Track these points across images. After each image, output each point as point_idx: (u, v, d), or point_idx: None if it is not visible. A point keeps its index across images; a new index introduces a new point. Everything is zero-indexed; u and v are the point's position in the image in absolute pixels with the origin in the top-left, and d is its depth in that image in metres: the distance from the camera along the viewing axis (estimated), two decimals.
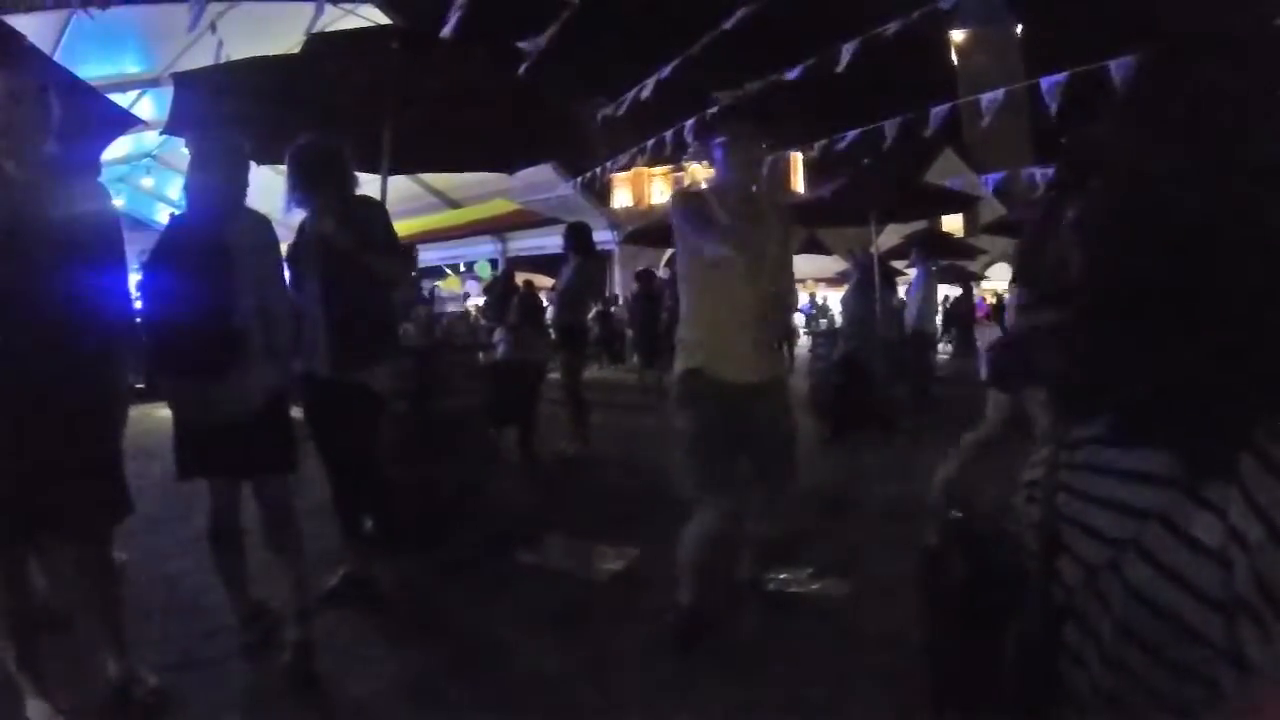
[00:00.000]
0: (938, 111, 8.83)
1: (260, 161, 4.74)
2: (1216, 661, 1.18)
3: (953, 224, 23.15)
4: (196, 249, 3.78)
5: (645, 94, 10.30)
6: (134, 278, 3.94)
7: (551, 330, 9.49)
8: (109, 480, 3.47)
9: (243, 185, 3.96)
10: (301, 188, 4.46)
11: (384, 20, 13.37)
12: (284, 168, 4.48)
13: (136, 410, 4.47)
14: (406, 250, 4.85)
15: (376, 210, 4.68)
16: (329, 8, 10.30)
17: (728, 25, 7.74)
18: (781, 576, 4.82)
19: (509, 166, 7.97)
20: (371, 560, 4.75)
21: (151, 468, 6.35)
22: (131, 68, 13.38)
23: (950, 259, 20.19)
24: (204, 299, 3.73)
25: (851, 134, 10.08)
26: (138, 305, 3.93)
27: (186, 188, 3.99)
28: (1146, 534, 1.24)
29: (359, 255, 4.32)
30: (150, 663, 3.72)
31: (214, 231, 3.79)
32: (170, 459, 3.92)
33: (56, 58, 7.78)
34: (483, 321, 14.55)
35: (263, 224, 3.92)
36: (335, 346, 4.38)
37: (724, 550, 4.23)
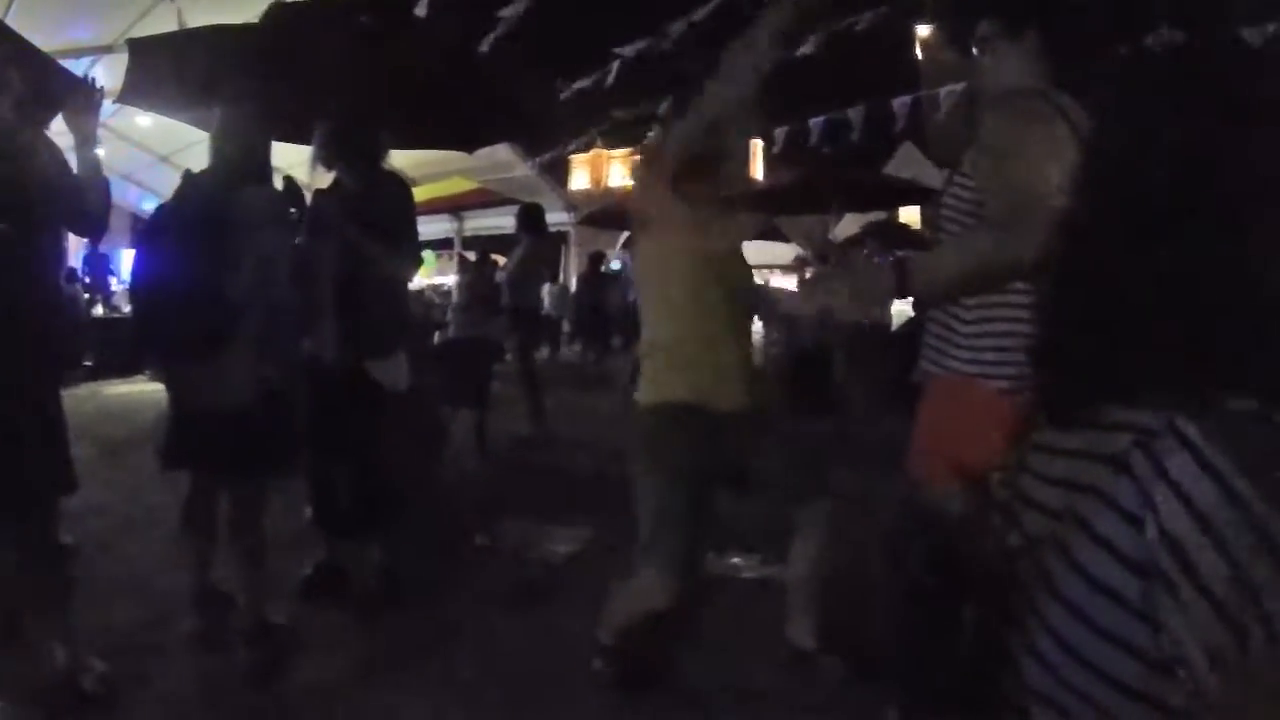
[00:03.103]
0: (901, 103, 8.89)
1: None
2: (1139, 626, 1.27)
3: (910, 215, 23.27)
4: (195, 220, 3.67)
5: (609, 78, 10.28)
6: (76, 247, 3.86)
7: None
8: (50, 454, 3.33)
9: (253, 158, 3.84)
10: (323, 154, 4.36)
11: None
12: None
13: (86, 388, 4.37)
14: (418, 242, 4.66)
15: (398, 192, 4.53)
16: None
17: (696, 17, 7.72)
18: (733, 562, 4.84)
19: (468, 145, 7.92)
20: (343, 549, 4.66)
21: (98, 448, 6.27)
22: (84, 35, 13.11)
23: (908, 249, 20.33)
24: (198, 273, 3.61)
25: (814, 122, 10.11)
26: (129, 279, 3.84)
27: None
28: (1082, 504, 1.34)
29: (364, 244, 4.19)
30: (98, 648, 3.61)
31: (215, 203, 3.68)
32: (121, 439, 3.83)
33: (8, 22, 7.61)
34: (437, 301, 14.48)
35: (276, 198, 3.83)
36: (340, 334, 4.23)
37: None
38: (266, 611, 3.97)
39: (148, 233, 3.93)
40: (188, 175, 3.96)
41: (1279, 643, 1.23)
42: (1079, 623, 1.37)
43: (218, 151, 3.84)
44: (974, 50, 2.89)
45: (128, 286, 3.72)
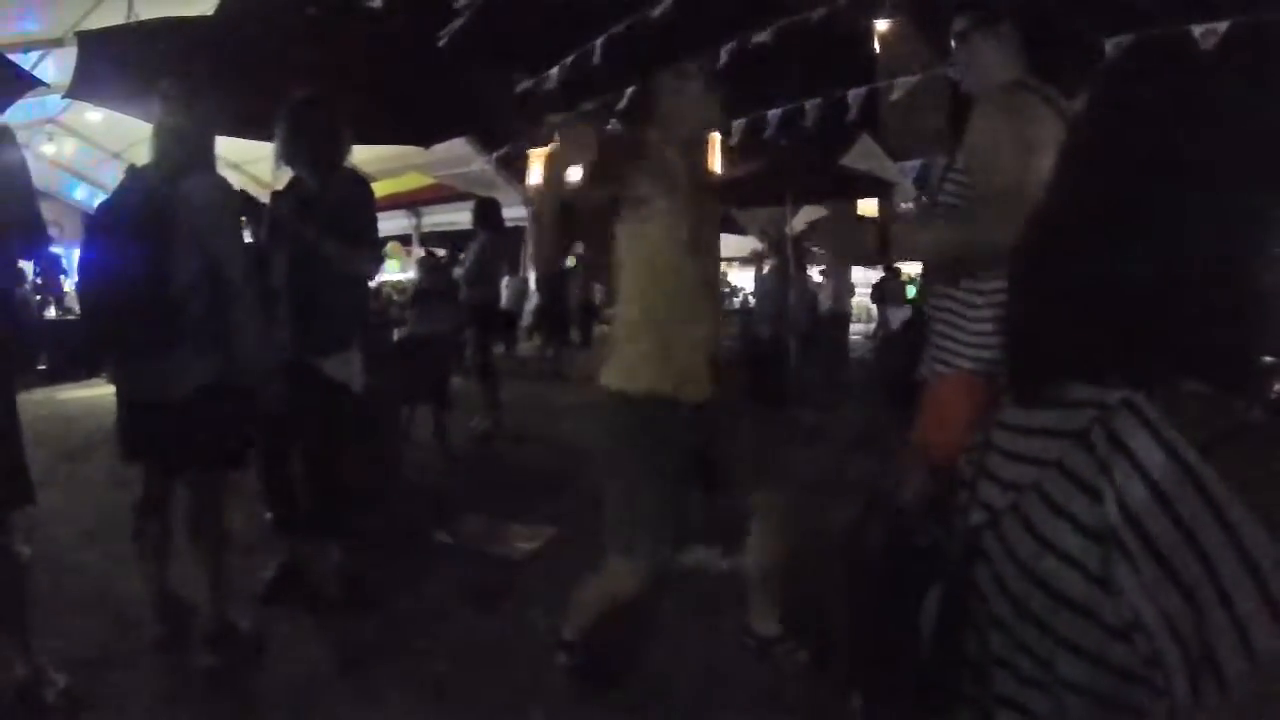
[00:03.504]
0: (856, 95, 8.94)
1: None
2: (1097, 593, 1.34)
3: (868, 207, 23.43)
4: (137, 214, 3.60)
5: (565, 71, 10.27)
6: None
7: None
8: (5, 465, 3.26)
9: (193, 149, 3.76)
10: (284, 152, 4.29)
11: None
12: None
13: (41, 393, 4.31)
14: (378, 241, 4.61)
15: (357, 191, 4.46)
16: None
17: (654, 12, 7.72)
18: (695, 554, 4.85)
19: (425, 140, 7.89)
20: (303, 549, 4.60)
21: (55, 455, 6.19)
22: (33, 27, 12.92)
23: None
24: (142, 267, 3.54)
25: (771, 114, 10.16)
26: (76, 279, 3.78)
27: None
28: (1044, 478, 1.41)
29: (323, 244, 4.14)
30: (59, 660, 3.55)
31: (157, 196, 3.61)
32: (78, 445, 3.77)
33: None
34: (395, 298, 14.44)
35: (218, 188, 3.73)
36: (297, 329, 4.19)
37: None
38: (229, 614, 3.93)
39: (90, 230, 3.87)
40: (130, 169, 3.90)
41: (1230, 605, 1.30)
42: (1040, 590, 1.44)
43: (158, 143, 3.76)
44: (952, 43, 2.94)
45: (76, 287, 3.66)
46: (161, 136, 3.75)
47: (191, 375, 3.57)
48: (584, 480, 3.79)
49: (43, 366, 10.43)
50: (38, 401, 8.45)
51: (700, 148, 3.48)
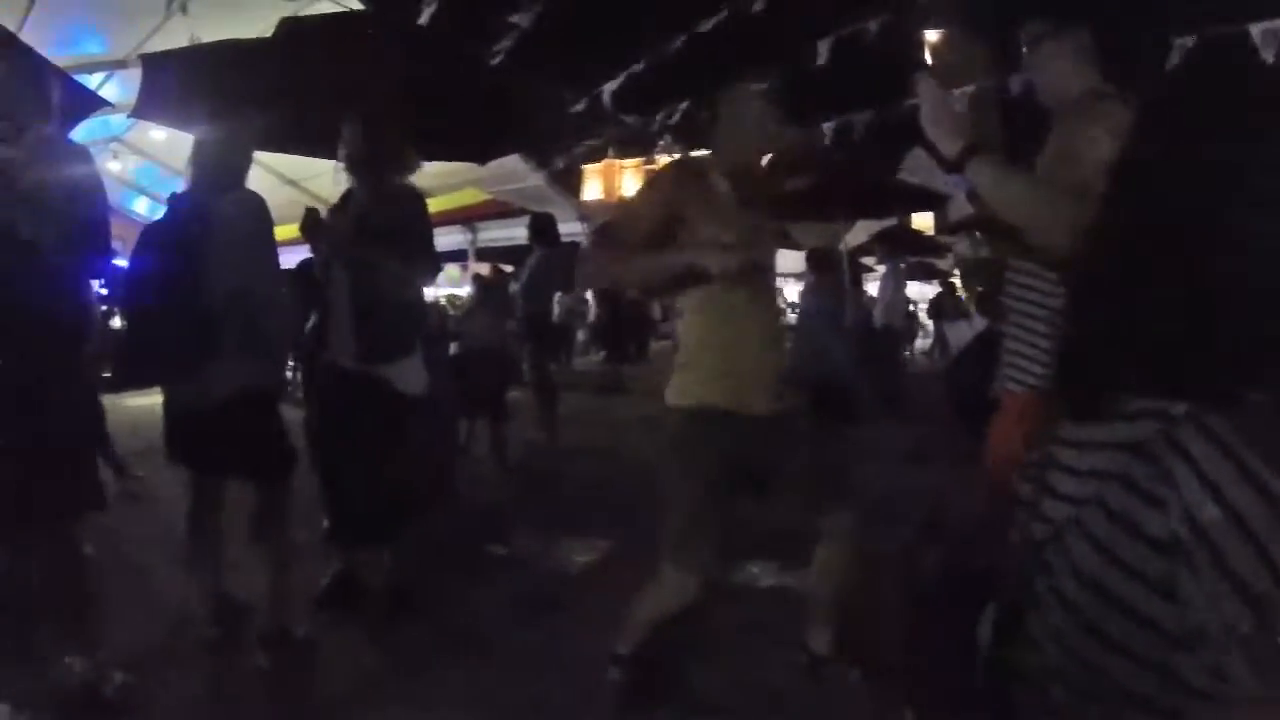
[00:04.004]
0: (908, 107, 8.87)
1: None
2: (1159, 603, 1.31)
3: (923, 222, 23.22)
4: (176, 232, 3.78)
5: (616, 87, 10.29)
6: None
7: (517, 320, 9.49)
8: (82, 470, 3.43)
9: (229, 167, 3.94)
10: (348, 167, 4.41)
11: (358, 7, 13.29)
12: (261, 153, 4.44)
13: (104, 401, 4.42)
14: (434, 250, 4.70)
15: (414, 203, 4.55)
16: None
17: (705, 28, 7.73)
18: (749, 569, 4.83)
19: (480, 157, 7.94)
20: (358, 557, 4.64)
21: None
22: (97, 50, 13.21)
23: (919, 256, 20.31)
24: (180, 283, 3.68)
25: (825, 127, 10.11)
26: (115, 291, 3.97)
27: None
28: (1107, 491, 1.39)
29: (384, 255, 4.22)
30: (116, 659, 3.64)
31: (195, 214, 3.77)
32: (139, 451, 3.87)
33: (23, 37, 7.68)
34: (451, 312, 14.53)
35: (251, 205, 3.89)
36: (360, 338, 4.26)
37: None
38: (284, 618, 4.01)
39: (135, 248, 4.03)
40: (172, 194, 4.08)
41: None
42: (1101, 601, 1.41)
43: (193, 163, 3.97)
44: (1023, 50, 2.91)
45: (120, 302, 3.94)
46: (197, 156, 3.94)
47: (225, 383, 3.70)
48: (639, 495, 3.79)
49: (107, 375, 10.66)
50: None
51: (755, 166, 3.44)
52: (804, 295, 11.81)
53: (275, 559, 4.00)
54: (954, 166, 2.16)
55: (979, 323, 10.92)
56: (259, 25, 6.89)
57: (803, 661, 3.68)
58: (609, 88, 10.60)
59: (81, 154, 3.46)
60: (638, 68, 9.86)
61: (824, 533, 3.45)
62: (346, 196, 4.48)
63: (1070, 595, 1.48)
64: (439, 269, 4.86)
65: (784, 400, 3.35)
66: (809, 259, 10.11)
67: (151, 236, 4.01)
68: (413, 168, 4.51)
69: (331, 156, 4.55)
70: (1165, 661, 1.36)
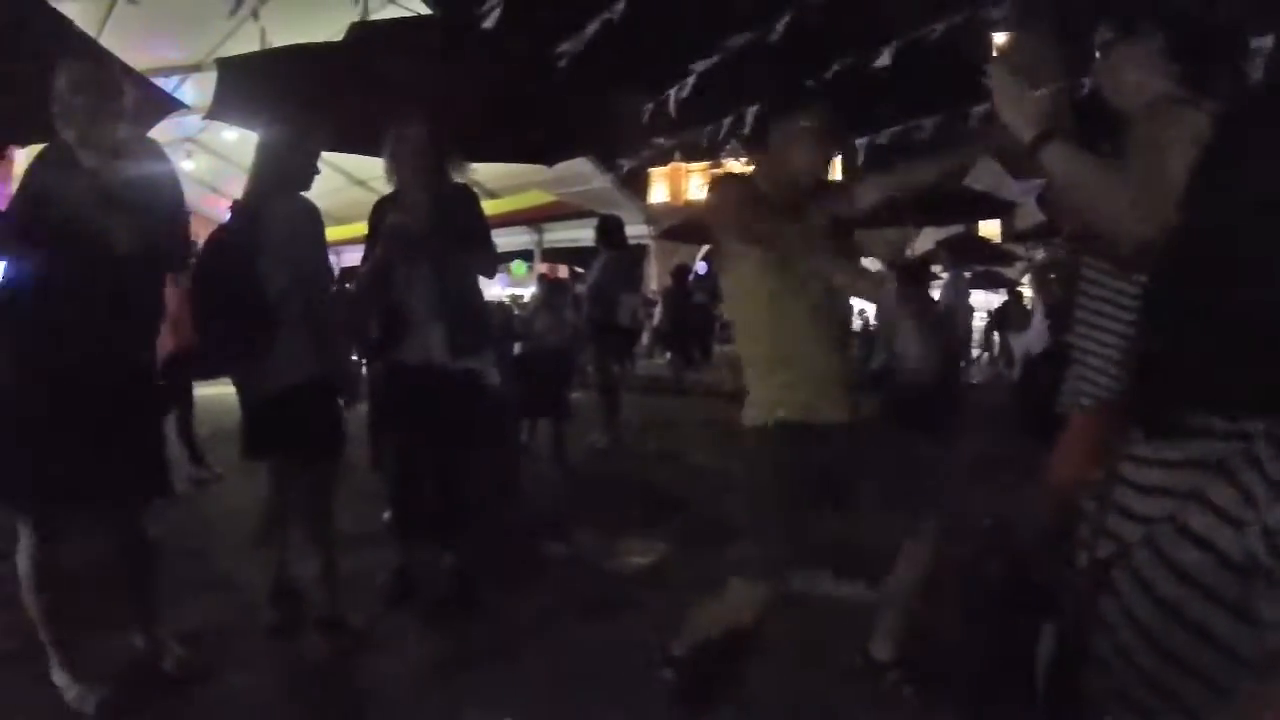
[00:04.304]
0: (977, 112, 8.76)
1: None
2: (1229, 620, 1.27)
3: (990, 229, 22.92)
4: (241, 232, 3.95)
5: (684, 92, 10.28)
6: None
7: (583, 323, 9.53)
8: (152, 458, 3.56)
9: (289, 172, 4.05)
10: (400, 173, 4.50)
11: (425, 11, 13.40)
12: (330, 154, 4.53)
13: None
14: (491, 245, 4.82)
15: (473, 202, 4.71)
16: None
17: (772, 35, 7.68)
18: (809, 577, 4.80)
19: (546, 158, 7.98)
20: (419, 551, 4.74)
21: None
22: (174, 54, 13.51)
23: (985, 264, 20.06)
24: (244, 281, 3.82)
25: (890, 132, 10.01)
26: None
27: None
28: (1181, 510, 1.35)
29: (458, 248, 4.37)
30: (177, 636, 3.79)
31: (255, 215, 3.94)
32: (204, 438, 3.96)
33: (102, 42, 7.85)
34: (516, 312, 14.64)
35: (301, 208, 4.05)
36: (449, 332, 4.38)
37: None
38: (339, 607, 4.12)
39: (203, 247, 4.23)
40: (235, 201, 4.20)
41: None
42: (1173, 622, 1.38)
43: (254, 165, 4.12)
44: (1096, 54, 2.86)
45: (191, 296, 4.08)
46: (258, 158, 4.11)
47: (286, 375, 3.86)
48: (700, 498, 3.76)
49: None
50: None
51: (816, 178, 3.41)
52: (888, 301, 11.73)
53: (326, 545, 4.12)
54: (1029, 150, 2.13)
55: (1043, 331, 10.72)
56: (329, 29, 7.01)
57: (858, 666, 3.64)
58: (676, 91, 10.59)
59: (158, 153, 3.57)
60: (705, 70, 9.84)
61: (907, 540, 3.39)
62: (391, 199, 4.56)
63: (1140, 615, 1.44)
64: (495, 265, 4.98)
65: (858, 409, 3.33)
66: (892, 268, 10.01)
67: (217, 234, 4.17)
68: (464, 169, 4.66)
69: None
70: (1238, 685, 1.33)
